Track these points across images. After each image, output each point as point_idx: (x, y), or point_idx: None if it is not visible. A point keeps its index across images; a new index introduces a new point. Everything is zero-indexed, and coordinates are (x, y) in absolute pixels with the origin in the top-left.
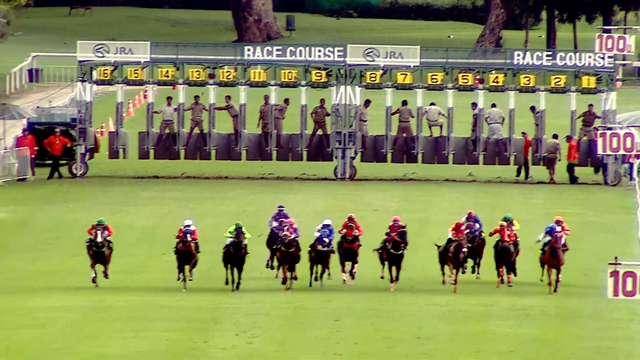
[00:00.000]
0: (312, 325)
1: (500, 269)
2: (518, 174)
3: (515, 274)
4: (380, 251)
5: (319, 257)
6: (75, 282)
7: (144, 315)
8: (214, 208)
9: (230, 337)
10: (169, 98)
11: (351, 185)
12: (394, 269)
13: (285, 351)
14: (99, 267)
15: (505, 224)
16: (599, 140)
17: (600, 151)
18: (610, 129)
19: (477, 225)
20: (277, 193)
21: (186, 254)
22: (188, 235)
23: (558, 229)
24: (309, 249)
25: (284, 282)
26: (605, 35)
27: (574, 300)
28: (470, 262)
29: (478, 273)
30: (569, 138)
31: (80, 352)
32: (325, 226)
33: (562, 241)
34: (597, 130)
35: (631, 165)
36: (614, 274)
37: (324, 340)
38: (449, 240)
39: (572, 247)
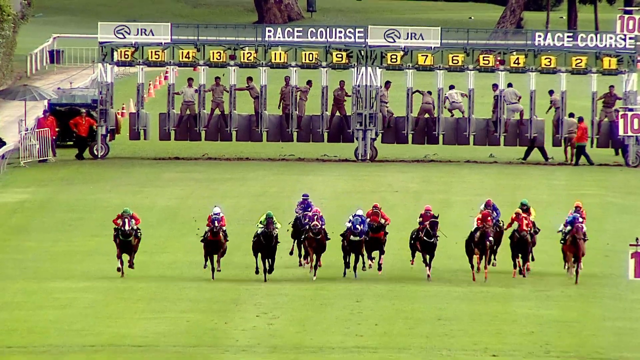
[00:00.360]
0: (333, 306)
1: (517, 259)
2: (525, 157)
3: (533, 259)
4: (412, 241)
5: (352, 247)
6: (96, 263)
7: (165, 297)
8: (234, 189)
9: (251, 318)
10: (190, 79)
11: (372, 166)
12: (427, 257)
13: (305, 332)
14: (125, 257)
15: (520, 211)
16: (620, 122)
17: (621, 132)
18: (631, 110)
19: (495, 214)
20: (298, 174)
21: (214, 244)
22: (216, 222)
23: (580, 219)
24: (341, 238)
25: (314, 267)
26: (626, 16)
27: (595, 282)
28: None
29: (495, 260)
30: (580, 119)
31: (101, 332)
32: (356, 216)
33: (583, 230)
34: (618, 111)
35: None
36: (635, 255)
37: (344, 321)
38: (476, 229)
39: (593, 227)
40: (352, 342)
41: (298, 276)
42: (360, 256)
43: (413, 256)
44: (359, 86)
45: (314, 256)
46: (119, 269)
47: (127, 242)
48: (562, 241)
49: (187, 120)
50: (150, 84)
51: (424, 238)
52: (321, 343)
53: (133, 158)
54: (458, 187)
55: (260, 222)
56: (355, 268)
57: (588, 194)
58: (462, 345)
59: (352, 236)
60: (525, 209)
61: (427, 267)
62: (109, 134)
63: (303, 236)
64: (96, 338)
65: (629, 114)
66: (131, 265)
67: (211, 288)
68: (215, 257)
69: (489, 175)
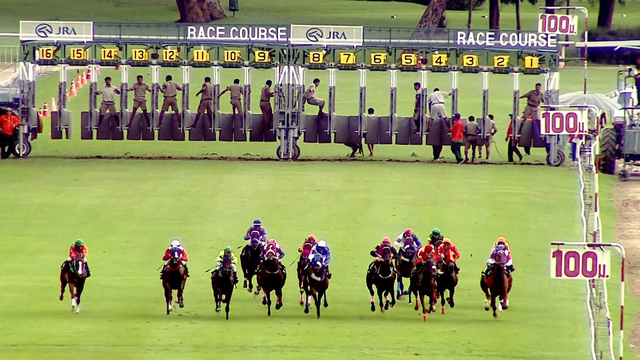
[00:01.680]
0: (256, 306)
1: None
2: (436, 157)
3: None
4: (370, 275)
5: (314, 286)
6: (19, 262)
7: (87, 296)
8: (156, 188)
9: (173, 317)
10: (108, 79)
11: (294, 165)
12: (383, 294)
13: (228, 331)
14: (69, 291)
15: (432, 247)
16: (542, 121)
17: (543, 131)
18: (552, 109)
19: (416, 245)
20: (221, 173)
21: (175, 276)
22: (176, 253)
23: (500, 247)
24: (302, 272)
25: (265, 302)
26: (548, 15)
27: (518, 280)
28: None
29: (405, 295)
30: (456, 117)
31: (24, 332)
32: (319, 248)
33: (509, 262)
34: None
35: (574, 145)
36: (557, 254)
37: (267, 320)
38: (418, 265)
39: (515, 226)
40: (274, 341)
41: (257, 307)
42: (322, 294)
43: (373, 294)
44: (281, 85)
45: (267, 291)
46: (62, 297)
47: (77, 276)
48: (484, 273)
49: (109, 119)
50: (72, 83)
51: (380, 275)
52: (244, 342)
53: (55, 157)
54: (380, 187)
55: (220, 257)
56: (318, 306)
57: (510, 192)
58: (384, 344)
59: (314, 275)
60: (438, 238)
61: (384, 306)
62: (30, 133)
63: (256, 269)
64: (19, 337)
65: (551, 113)
66: (78, 301)
67: (133, 287)
68: (176, 291)
69: (412, 174)
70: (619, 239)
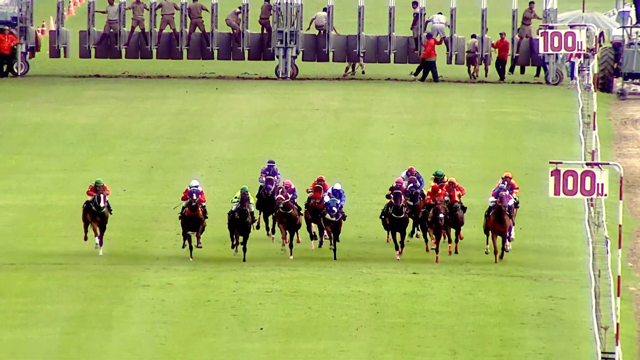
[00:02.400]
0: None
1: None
2: (416, 73)
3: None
4: (382, 217)
5: (328, 225)
6: (17, 181)
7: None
8: (155, 107)
9: (172, 236)
10: None
11: (293, 84)
12: (398, 235)
13: (226, 250)
14: (92, 230)
15: (437, 186)
16: (540, 40)
17: (541, 50)
18: (551, 27)
19: (419, 183)
20: (219, 92)
21: (193, 220)
22: (194, 195)
23: (504, 187)
24: (309, 214)
25: (290, 246)
26: None
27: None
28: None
29: (418, 231)
30: (428, 36)
31: (22, 251)
32: (335, 192)
33: (510, 202)
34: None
35: (572, 64)
36: (555, 173)
37: (265, 238)
38: (427, 206)
39: (513, 146)
40: (272, 259)
41: (269, 250)
42: (337, 239)
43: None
44: (279, 3)
45: (287, 234)
46: (86, 237)
47: (100, 215)
48: (485, 215)
49: (107, 38)
50: (70, 2)
51: (393, 215)
52: (241, 261)
53: (53, 76)
54: (378, 106)
55: (235, 198)
56: (334, 248)
57: (508, 111)
58: (382, 263)
59: (328, 215)
60: (440, 179)
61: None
62: (28, 52)
63: (275, 213)
64: (16, 257)
65: (549, 31)
66: (101, 243)
67: (132, 206)
68: (194, 234)
69: (409, 93)
70: (617, 157)
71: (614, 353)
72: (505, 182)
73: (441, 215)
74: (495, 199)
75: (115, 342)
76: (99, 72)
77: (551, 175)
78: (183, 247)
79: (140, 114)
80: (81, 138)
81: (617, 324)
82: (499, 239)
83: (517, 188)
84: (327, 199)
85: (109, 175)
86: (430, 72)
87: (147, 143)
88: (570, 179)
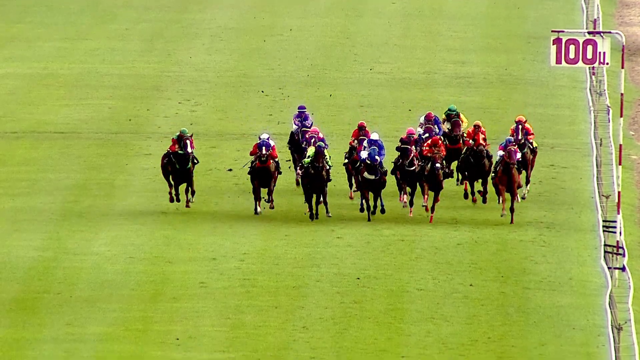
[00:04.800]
0: (256, 93)
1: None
2: None
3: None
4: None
5: (367, 186)
6: (18, 49)
7: (87, 83)
8: None
9: (174, 105)
10: None
11: None
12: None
13: (228, 119)
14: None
15: (477, 125)
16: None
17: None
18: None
19: (437, 129)
20: None
21: (264, 173)
22: (264, 148)
23: (513, 143)
24: (350, 169)
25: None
26: None
27: (517, 68)
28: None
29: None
30: None
31: (23, 119)
32: (371, 142)
33: (518, 156)
34: None
35: None
36: (557, 41)
37: (267, 107)
38: (425, 158)
39: (515, 15)
40: (274, 128)
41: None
42: (378, 196)
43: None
44: None
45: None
46: (173, 199)
47: (184, 172)
48: (492, 173)
49: None
50: None
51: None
52: (243, 130)
53: None
54: None
55: (308, 157)
56: (374, 210)
57: None
58: (384, 132)
59: (366, 173)
60: (455, 114)
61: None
62: None
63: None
64: (18, 124)
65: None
66: (192, 196)
67: (133, 75)
68: (264, 190)
69: None
70: (619, 26)
71: (615, 221)
72: (520, 127)
73: (438, 165)
74: (503, 152)
75: (117, 211)
76: None
77: (553, 44)
78: (256, 212)
79: None
80: (83, 7)
81: (619, 192)
82: (508, 195)
83: (532, 134)
84: (364, 154)
85: (110, 43)
86: None
87: (149, 12)
88: (572, 48)
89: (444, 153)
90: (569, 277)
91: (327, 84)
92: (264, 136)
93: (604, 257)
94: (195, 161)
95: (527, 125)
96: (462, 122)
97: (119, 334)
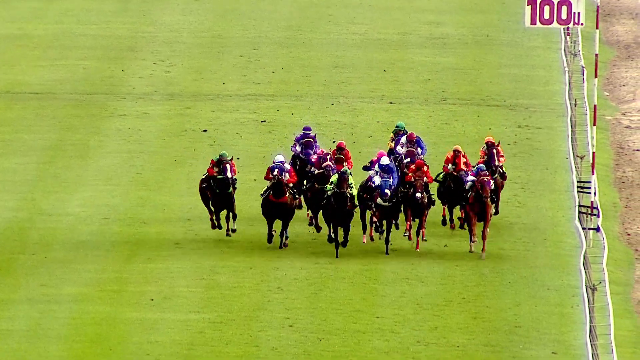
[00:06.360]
0: (230, 54)
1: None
2: None
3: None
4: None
5: (383, 213)
6: None
7: (62, 44)
8: None
9: (148, 65)
10: None
11: None
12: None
13: (203, 80)
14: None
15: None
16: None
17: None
18: None
19: (420, 150)
20: None
21: (279, 208)
22: (276, 170)
23: (484, 171)
24: (366, 195)
25: (311, 224)
26: None
27: (492, 29)
28: None
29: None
30: None
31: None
32: (383, 168)
33: (491, 186)
34: None
35: None
36: (532, 2)
37: (242, 68)
38: (409, 184)
39: None
40: (249, 89)
41: (248, 81)
42: (394, 223)
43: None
44: None
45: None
46: (215, 226)
47: (225, 196)
48: (464, 201)
49: None
50: None
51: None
52: (218, 90)
53: None
54: None
55: (331, 183)
56: (387, 238)
57: None
58: (359, 93)
59: (380, 199)
60: (403, 132)
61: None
62: None
63: (305, 186)
64: None
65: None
66: (234, 219)
67: (108, 35)
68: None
69: None
70: None
71: (589, 182)
72: (494, 151)
73: (418, 195)
74: (474, 179)
75: (92, 172)
76: None
77: (528, 5)
78: (269, 241)
79: None
80: None
81: (593, 153)
82: (479, 225)
83: (503, 156)
84: (377, 180)
85: (85, 4)
86: None
87: None
88: (546, 8)
89: (430, 180)
90: (543, 237)
91: (302, 45)
92: (279, 158)
93: (579, 217)
94: (235, 185)
95: (499, 148)
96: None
97: (93, 295)
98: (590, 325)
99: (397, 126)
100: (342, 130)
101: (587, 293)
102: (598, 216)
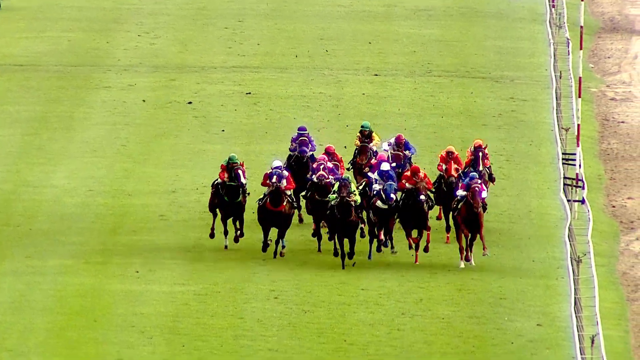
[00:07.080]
0: (215, 26)
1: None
2: None
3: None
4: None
5: (381, 216)
6: None
7: (46, 16)
8: None
9: (133, 37)
10: None
11: None
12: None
13: (188, 52)
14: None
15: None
16: None
17: None
18: None
19: (408, 153)
20: None
21: (275, 217)
22: (275, 177)
23: (477, 179)
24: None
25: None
26: None
27: (477, 1)
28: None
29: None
30: None
31: None
32: (383, 174)
33: (483, 195)
34: None
35: None
36: None
37: (227, 40)
38: (405, 191)
39: None
40: (234, 61)
41: (231, 53)
42: (389, 233)
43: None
44: None
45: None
46: (212, 235)
47: (235, 205)
48: (454, 211)
49: None
50: None
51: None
52: (203, 62)
53: None
54: None
55: (334, 192)
56: (384, 246)
57: None
58: (343, 65)
59: (379, 202)
60: (368, 133)
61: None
62: None
63: (305, 193)
64: None
65: None
66: (241, 234)
67: (92, 7)
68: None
69: None
70: None
71: (574, 154)
72: (480, 154)
73: (422, 197)
74: (465, 193)
75: (77, 144)
76: None
77: None
78: (264, 250)
79: None
80: None
81: (578, 125)
82: (470, 237)
83: (488, 159)
84: (377, 186)
85: None
86: None
87: None
88: None
89: (430, 185)
90: (528, 209)
91: (287, 17)
92: (276, 164)
93: (564, 189)
94: (247, 193)
95: (486, 151)
96: (373, 139)
97: (78, 267)
98: (575, 297)
99: (362, 126)
100: (326, 102)
101: (572, 265)
102: (583, 188)
